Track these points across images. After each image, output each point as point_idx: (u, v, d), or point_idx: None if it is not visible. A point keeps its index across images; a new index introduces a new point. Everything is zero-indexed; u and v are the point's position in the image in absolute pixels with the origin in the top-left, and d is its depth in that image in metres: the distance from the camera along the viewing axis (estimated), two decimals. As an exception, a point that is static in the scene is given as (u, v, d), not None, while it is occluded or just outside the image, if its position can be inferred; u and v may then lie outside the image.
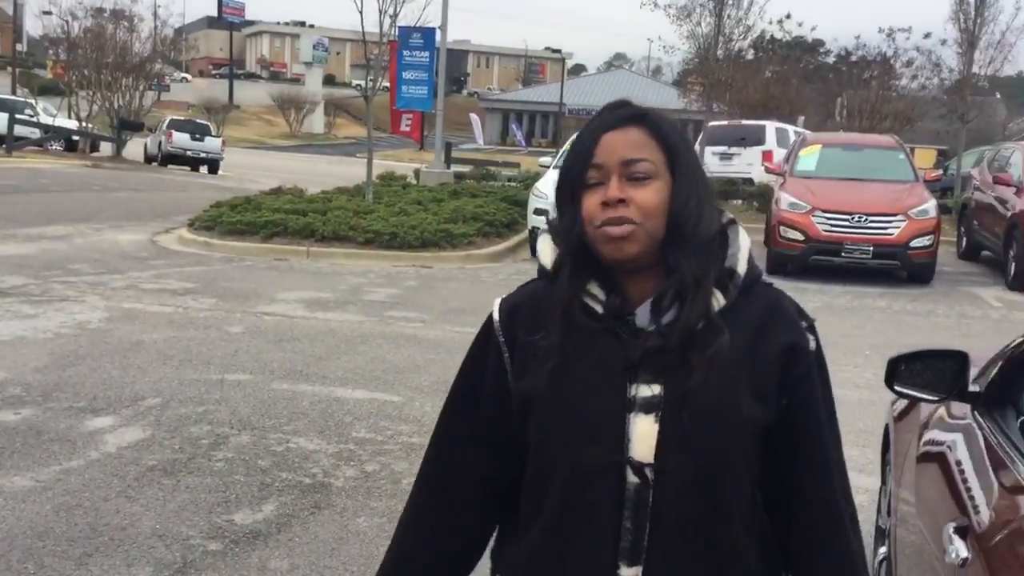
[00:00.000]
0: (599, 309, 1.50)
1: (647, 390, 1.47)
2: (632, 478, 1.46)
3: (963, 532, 2.29)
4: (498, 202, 15.31)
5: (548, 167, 14.32)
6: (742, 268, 1.52)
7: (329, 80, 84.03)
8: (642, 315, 1.50)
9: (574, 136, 1.57)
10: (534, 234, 12.99)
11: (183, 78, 78.72)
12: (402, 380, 6.91)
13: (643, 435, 1.46)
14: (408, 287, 10.80)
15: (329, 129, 70.55)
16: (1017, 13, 21.45)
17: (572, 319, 1.49)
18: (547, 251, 1.57)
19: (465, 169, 22.59)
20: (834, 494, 1.57)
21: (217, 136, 33.51)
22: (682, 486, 1.46)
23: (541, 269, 1.59)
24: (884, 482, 3.75)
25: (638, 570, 1.48)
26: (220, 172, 30.64)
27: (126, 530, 4.21)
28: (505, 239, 13.86)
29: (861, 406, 6.09)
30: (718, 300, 1.49)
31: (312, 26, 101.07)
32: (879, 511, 3.77)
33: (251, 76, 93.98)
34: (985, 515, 2.29)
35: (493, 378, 1.60)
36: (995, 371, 2.82)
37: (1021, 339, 2.81)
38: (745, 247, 1.55)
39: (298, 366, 7.15)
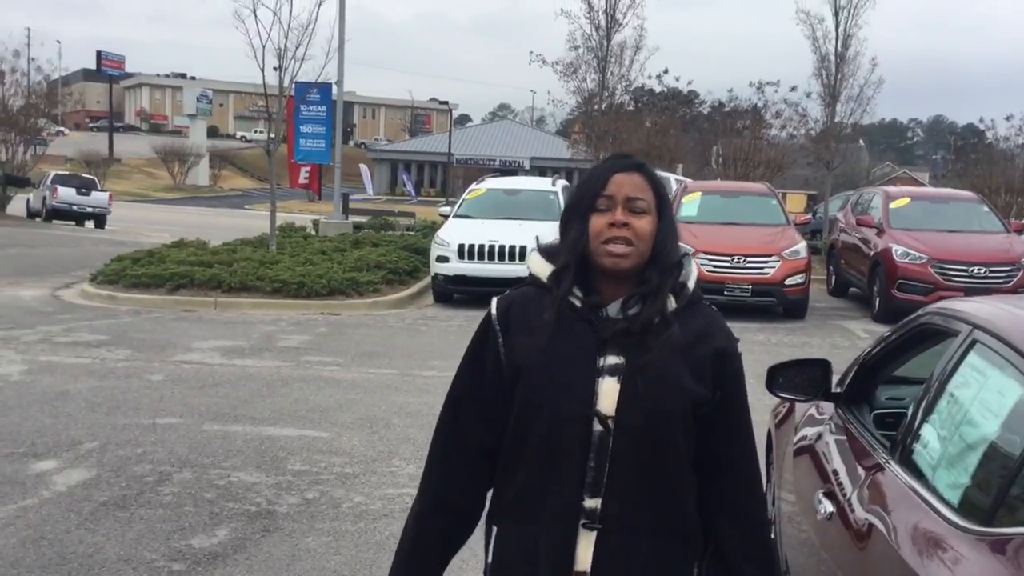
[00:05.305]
0: (578, 304, 2.00)
1: (613, 359, 1.95)
2: (597, 427, 1.92)
3: (830, 495, 2.95)
4: (399, 250, 15.79)
5: (448, 216, 14.84)
6: (691, 285, 2.04)
7: (212, 132, 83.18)
8: (613, 308, 2.00)
9: (585, 175, 2.07)
10: (437, 280, 13.53)
11: (59, 131, 76.78)
12: (327, 418, 7.33)
13: (608, 393, 1.93)
14: (320, 333, 11.18)
15: (215, 181, 69.75)
16: (873, 69, 23.37)
17: (560, 309, 1.98)
18: (539, 264, 2.07)
19: (361, 219, 22.98)
20: (753, 459, 2.09)
21: (103, 190, 33.05)
22: (634, 433, 1.93)
23: (533, 277, 2.08)
24: (769, 479, 4.41)
25: (598, 501, 1.93)
26: (107, 227, 30.24)
27: (93, 557, 4.55)
28: (408, 286, 14.34)
29: (747, 425, 6.83)
30: (671, 303, 2.00)
31: (194, 78, 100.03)
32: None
33: (130, 128, 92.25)
34: (844, 481, 2.94)
35: (492, 356, 2.04)
36: (851, 375, 3.52)
37: (871, 349, 3.52)
38: (695, 272, 2.07)
39: (225, 409, 7.49)
